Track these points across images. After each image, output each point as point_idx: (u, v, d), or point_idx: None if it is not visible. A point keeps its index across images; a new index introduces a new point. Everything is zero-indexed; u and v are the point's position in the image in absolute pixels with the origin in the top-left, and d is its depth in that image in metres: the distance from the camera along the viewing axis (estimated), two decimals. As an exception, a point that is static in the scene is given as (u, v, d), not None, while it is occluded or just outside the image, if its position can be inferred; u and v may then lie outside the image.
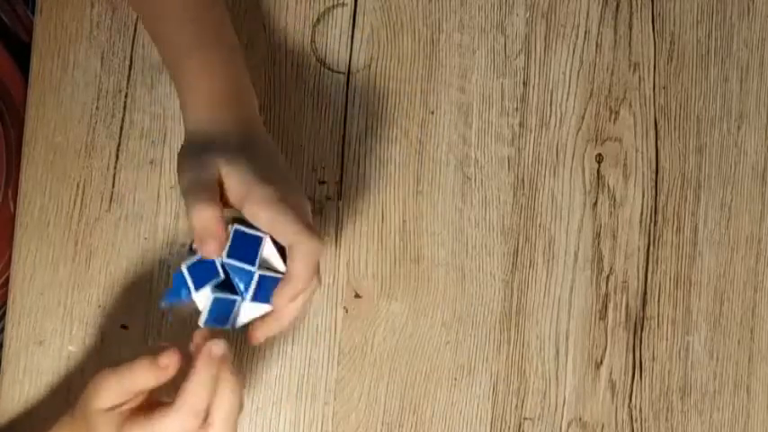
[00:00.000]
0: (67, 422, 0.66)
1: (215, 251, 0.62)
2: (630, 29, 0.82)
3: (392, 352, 0.78)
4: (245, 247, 0.64)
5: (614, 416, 0.79)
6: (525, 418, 0.79)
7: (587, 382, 0.79)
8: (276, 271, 0.65)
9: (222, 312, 0.65)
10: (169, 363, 0.61)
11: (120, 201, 0.78)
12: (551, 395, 0.79)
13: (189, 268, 0.64)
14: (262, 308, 0.65)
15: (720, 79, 0.82)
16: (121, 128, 0.78)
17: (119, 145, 0.78)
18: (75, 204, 0.77)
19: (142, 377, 0.61)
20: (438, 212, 0.79)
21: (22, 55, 0.83)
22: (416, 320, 0.79)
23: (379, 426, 0.78)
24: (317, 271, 0.65)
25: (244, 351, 0.77)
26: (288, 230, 0.63)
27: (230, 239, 0.64)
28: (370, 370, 0.78)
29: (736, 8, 0.82)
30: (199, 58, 0.68)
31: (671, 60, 0.82)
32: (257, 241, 0.64)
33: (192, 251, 0.65)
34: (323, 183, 0.79)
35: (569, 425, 0.79)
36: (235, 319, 0.66)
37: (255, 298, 0.65)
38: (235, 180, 0.63)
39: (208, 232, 0.62)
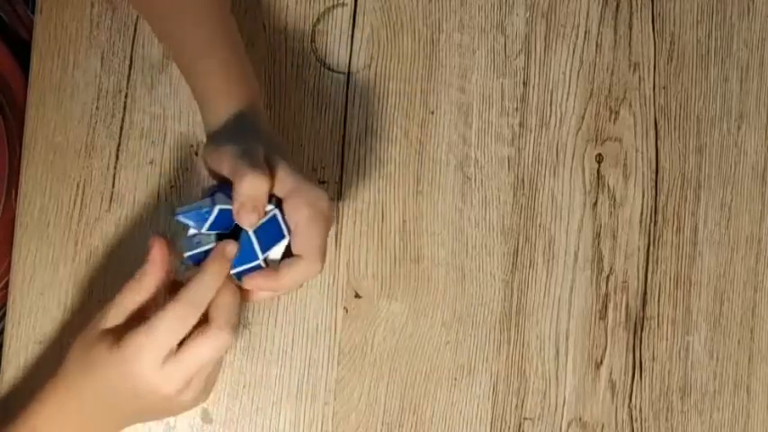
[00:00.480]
0: (50, 391, 0.65)
1: (253, 224, 0.62)
2: (630, 29, 0.82)
3: (392, 352, 0.78)
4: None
5: (614, 416, 0.79)
6: (525, 418, 0.79)
7: (587, 382, 0.79)
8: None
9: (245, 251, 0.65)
10: (152, 243, 0.63)
11: (120, 201, 0.78)
12: (551, 395, 0.79)
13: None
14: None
15: (720, 79, 0.82)
16: (121, 128, 0.78)
17: (119, 145, 0.78)
18: (75, 204, 0.77)
19: (135, 288, 0.63)
20: (438, 212, 0.79)
21: (22, 53, 0.83)
22: (416, 320, 0.79)
23: (379, 426, 0.78)
24: (323, 251, 0.65)
25: (244, 351, 0.77)
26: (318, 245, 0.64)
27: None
28: (370, 370, 0.78)
29: (736, 8, 0.82)
30: (218, 57, 0.69)
31: (671, 60, 0.82)
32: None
33: (211, 196, 0.65)
34: (323, 183, 0.79)
35: (569, 425, 0.79)
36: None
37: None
38: (284, 172, 0.63)
39: (255, 203, 0.62)
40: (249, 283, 0.64)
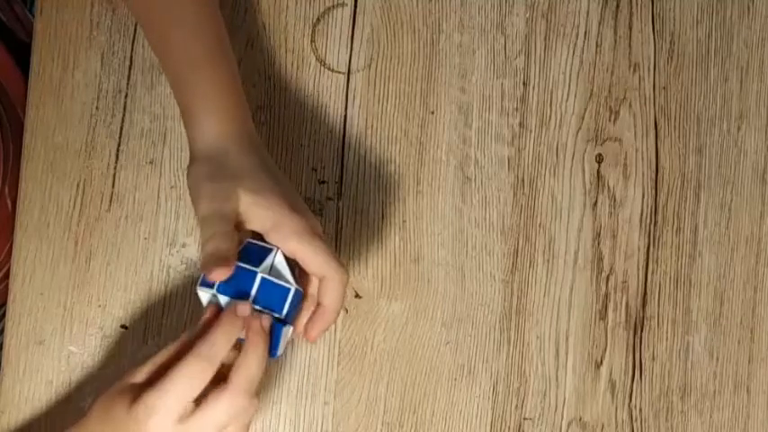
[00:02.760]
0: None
1: (221, 279, 0.62)
2: (630, 29, 0.82)
3: (392, 352, 0.78)
4: (256, 257, 0.65)
5: (614, 416, 0.79)
6: (525, 418, 0.79)
7: (587, 382, 0.79)
8: (287, 281, 0.65)
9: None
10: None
11: (120, 201, 0.78)
12: (551, 395, 0.79)
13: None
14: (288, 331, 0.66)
15: (720, 79, 0.82)
16: (121, 128, 0.78)
17: (119, 145, 0.78)
18: (75, 204, 0.77)
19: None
20: (438, 212, 0.79)
21: (21, 54, 0.83)
22: (416, 320, 0.79)
23: (379, 426, 0.78)
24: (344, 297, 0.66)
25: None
26: (319, 261, 0.64)
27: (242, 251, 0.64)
28: (370, 370, 0.78)
29: (736, 8, 0.82)
30: (210, 70, 0.68)
31: (671, 60, 0.82)
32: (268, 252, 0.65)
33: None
34: (323, 183, 0.79)
35: (569, 425, 0.79)
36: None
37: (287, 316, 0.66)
38: (261, 211, 0.64)
39: (218, 262, 0.61)
40: (311, 334, 0.66)
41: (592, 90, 0.81)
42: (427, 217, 0.79)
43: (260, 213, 0.64)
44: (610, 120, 0.81)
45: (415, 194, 0.79)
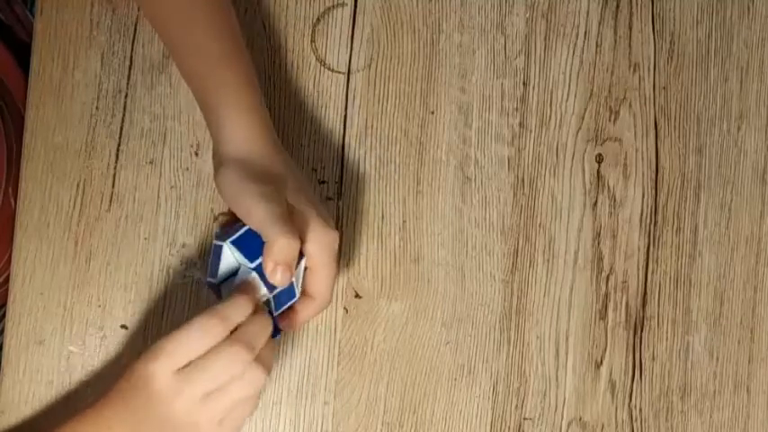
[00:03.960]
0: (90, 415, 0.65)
1: (286, 282, 0.63)
2: (630, 29, 0.82)
3: (392, 352, 0.78)
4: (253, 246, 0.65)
5: (614, 416, 0.79)
6: (525, 418, 0.79)
7: (587, 382, 0.79)
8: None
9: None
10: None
11: (120, 201, 0.78)
12: (551, 395, 0.79)
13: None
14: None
15: (720, 79, 0.82)
16: (121, 128, 0.78)
17: (119, 145, 0.78)
18: (75, 204, 0.77)
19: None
20: (438, 212, 0.79)
21: (21, 53, 0.83)
22: (416, 320, 0.79)
23: (379, 426, 0.78)
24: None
25: (244, 351, 0.77)
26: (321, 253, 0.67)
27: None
28: (370, 370, 0.78)
29: (736, 8, 0.82)
30: (233, 68, 0.68)
31: (671, 60, 0.82)
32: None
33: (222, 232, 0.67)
34: (323, 183, 0.79)
35: (569, 425, 0.79)
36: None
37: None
38: (309, 221, 0.66)
39: (287, 263, 0.63)
40: (292, 321, 0.68)
41: (592, 90, 0.81)
42: (427, 217, 0.79)
43: (297, 216, 0.66)
44: (610, 120, 0.81)
45: (415, 194, 0.79)
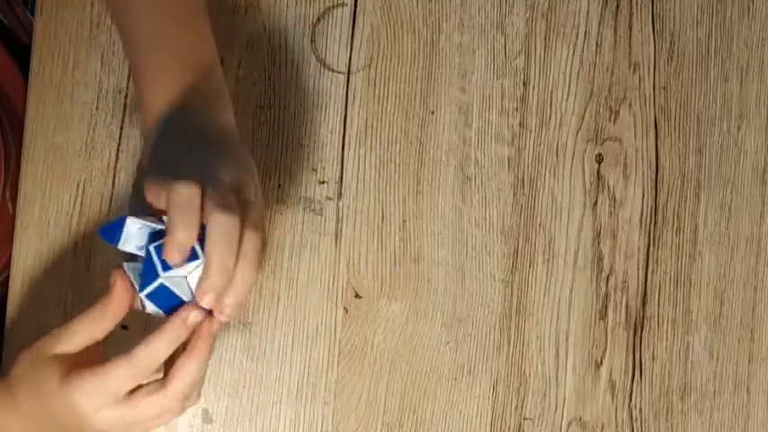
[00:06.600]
0: None
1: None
2: (630, 29, 0.82)
3: (392, 352, 0.78)
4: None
5: (614, 416, 0.79)
6: (525, 418, 0.79)
7: (587, 382, 0.79)
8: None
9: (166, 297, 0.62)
10: (116, 279, 0.61)
11: (120, 201, 0.78)
12: (551, 395, 0.79)
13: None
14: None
15: (720, 79, 0.82)
16: (121, 128, 0.78)
17: (119, 145, 0.78)
18: (75, 204, 0.77)
19: (94, 319, 0.62)
20: (438, 212, 0.79)
21: (21, 55, 0.83)
22: (416, 320, 0.79)
23: (379, 426, 0.78)
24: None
25: (244, 350, 0.77)
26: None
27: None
28: (370, 370, 0.78)
29: (736, 8, 0.82)
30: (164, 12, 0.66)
31: (671, 60, 0.82)
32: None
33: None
34: (323, 183, 0.79)
35: (569, 425, 0.79)
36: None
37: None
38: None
39: (184, 253, 0.60)
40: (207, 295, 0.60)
41: (592, 90, 0.81)
42: (427, 217, 0.79)
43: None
44: (610, 120, 0.81)
45: (415, 194, 0.79)
